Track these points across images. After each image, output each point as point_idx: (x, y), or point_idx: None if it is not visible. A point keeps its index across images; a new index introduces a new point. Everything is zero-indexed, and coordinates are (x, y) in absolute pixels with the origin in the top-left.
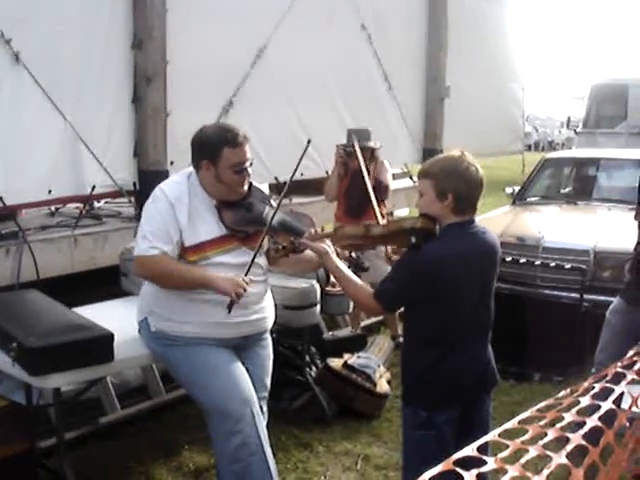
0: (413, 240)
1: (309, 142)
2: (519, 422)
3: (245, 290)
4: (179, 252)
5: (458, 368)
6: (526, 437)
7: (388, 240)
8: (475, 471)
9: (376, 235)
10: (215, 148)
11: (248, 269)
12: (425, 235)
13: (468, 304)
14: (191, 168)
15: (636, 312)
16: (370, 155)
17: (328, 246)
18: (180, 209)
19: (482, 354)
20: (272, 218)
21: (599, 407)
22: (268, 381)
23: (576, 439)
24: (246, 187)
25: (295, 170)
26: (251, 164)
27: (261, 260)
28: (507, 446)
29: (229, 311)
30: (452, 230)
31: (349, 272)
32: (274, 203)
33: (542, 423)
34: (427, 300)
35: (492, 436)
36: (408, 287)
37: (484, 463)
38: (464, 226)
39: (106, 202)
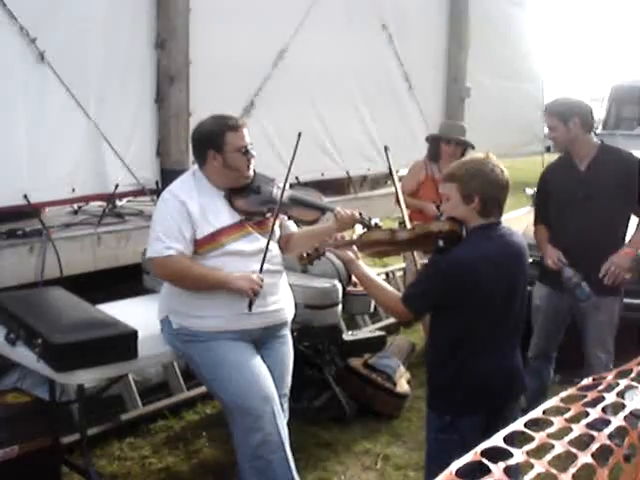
0: (441, 243)
1: (300, 135)
2: (544, 412)
3: (261, 287)
4: (193, 247)
5: (483, 374)
6: (552, 430)
7: (415, 245)
8: (502, 464)
9: (403, 240)
10: (218, 135)
11: (262, 263)
12: (452, 238)
13: (495, 307)
14: (194, 167)
15: (562, 298)
16: (461, 154)
17: (354, 252)
18: (191, 204)
19: (509, 359)
20: (282, 194)
21: (624, 406)
22: (289, 379)
23: (601, 438)
24: (252, 171)
25: (294, 155)
26: (252, 147)
27: (275, 248)
28: (533, 438)
29: (250, 309)
30: (479, 232)
31: (376, 278)
32: (280, 184)
33: (567, 416)
34: (454, 303)
35: (518, 426)
36: (436, 290)
37: (511, 455)
38: (491, 228)
39: (128, 201)
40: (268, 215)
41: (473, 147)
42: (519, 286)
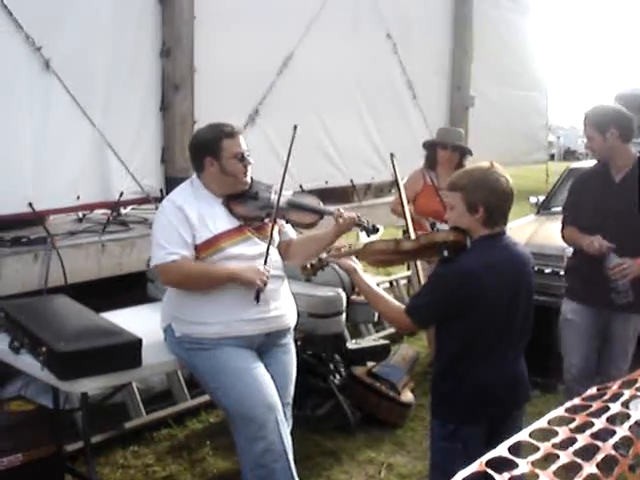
0: (445, 254)
1: (295, 127)
2: (549, 422)
3: (268, 277)
4: (194, 252)
5: (486, 382)
6: (557, 440)
7: (419, 254)
8: (507, 475)
9: (407, 250)
10: (215, 142)
11: (266, 257)
12: (457, 248)
13: (498, 317)
14: (192, 177)
15: (602, 311)
16: (458, 160)
17: (356, 263)
18: (189, 210)
19: (512, 369)
20: (279, 196)
21: (629, 416)
22: (291, 387)
23: (606, 448)
24: (249, 177)
25: (290, 149)
26: (249, 154)
27: (275, 254)
28: (538, 448)
29: (257, 300)
30: (484, 243)
31: (378, 289)
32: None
33: (572, 426)
34: (458, 314)
35: (522, 436)
36: (440, 301)
37: (516, 465)
38: (496, 238)
39: (133, 208)
40: (267, 220)
41: (471, 153)
42: (522, 296)
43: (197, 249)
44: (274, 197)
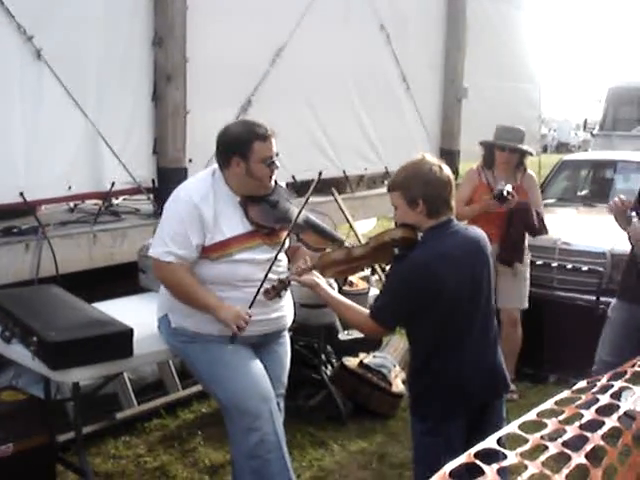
0: (396, 251)
1: (320, 174)
2: (538, 414)
3: (247, 323)
4: (200, 253)
5: (460, 376)
6: (545, 432)
7: (374, 258)
8: (495, 465)
9: (359, 255)
10: (246, 143)
11: (270, 266)
12: (408, 244)
13: (462, 305)
14: (214, 166)
15: (638, 310)
16: (518, 161)
17: (317, 277)
18: (206, 208)
19: (486, 358)
20: (298, 216)
21: (618, 407)
22: (285, 378)
23: (595, 439)
24: (273, 182)
25: (308, 197)
26: (277, 155)
27: (282, 256)
28: (526, 440)
29: (232, 342)
30: (432, 233)
31: (342, 298)
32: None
33: (561, 418)
34: (421, 308)
35: (512, 428)
36: (401, 299)
37: (504, 457)
38: (443, 227)
39: (124, 199)
40: (276, 230)
41: (531, 153)
42: (483, 279)
43: (207, 250)
44: (292, 209)
